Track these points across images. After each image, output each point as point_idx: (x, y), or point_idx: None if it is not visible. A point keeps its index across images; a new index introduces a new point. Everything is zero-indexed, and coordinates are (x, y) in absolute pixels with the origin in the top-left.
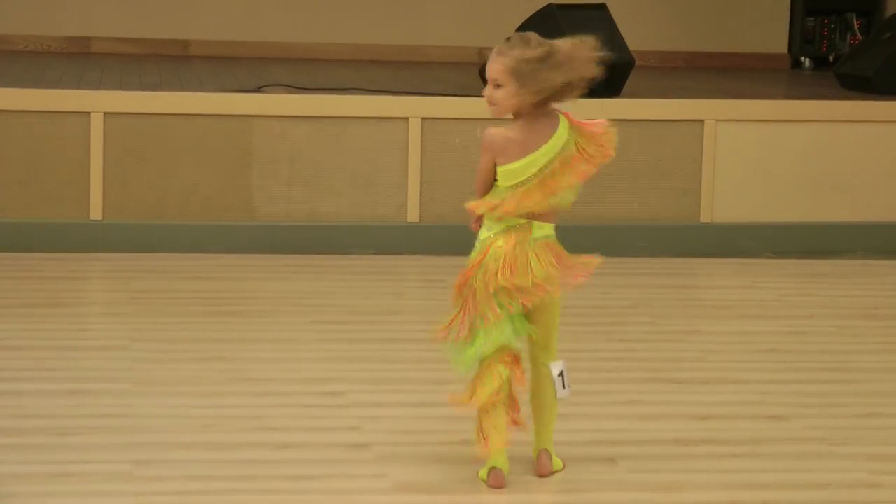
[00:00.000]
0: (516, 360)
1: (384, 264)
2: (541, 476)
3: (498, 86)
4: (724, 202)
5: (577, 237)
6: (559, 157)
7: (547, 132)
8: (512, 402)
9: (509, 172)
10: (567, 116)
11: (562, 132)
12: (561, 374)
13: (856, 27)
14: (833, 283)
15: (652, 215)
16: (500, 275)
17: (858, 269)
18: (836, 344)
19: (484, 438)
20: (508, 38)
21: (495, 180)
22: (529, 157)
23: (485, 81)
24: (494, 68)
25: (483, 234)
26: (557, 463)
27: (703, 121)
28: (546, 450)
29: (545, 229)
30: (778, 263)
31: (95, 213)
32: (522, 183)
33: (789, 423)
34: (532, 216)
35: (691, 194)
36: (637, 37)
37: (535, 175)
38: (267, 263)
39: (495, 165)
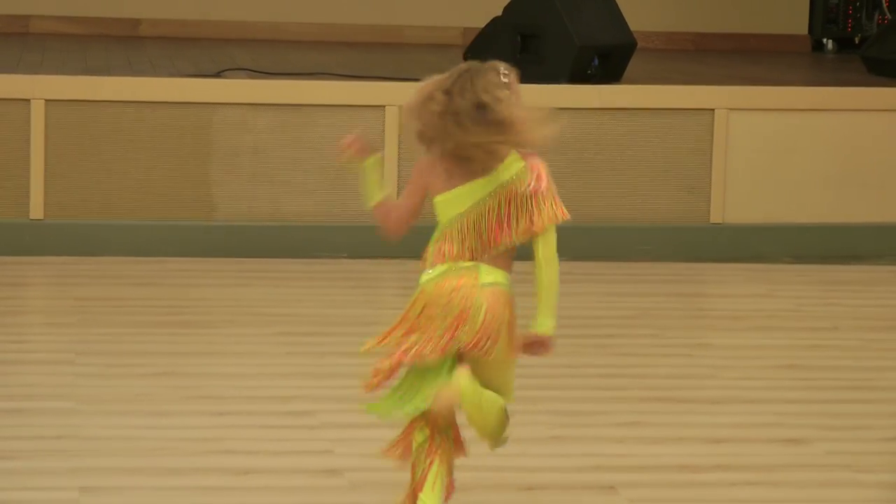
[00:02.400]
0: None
1: (358, 269)
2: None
3: None
4: (736, 201)
5: (572, 240)
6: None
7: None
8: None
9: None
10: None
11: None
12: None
13: (885, 5)
14: (858, 292)
15: (655, 215)
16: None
17: (886, 275)
18: (861, 359)
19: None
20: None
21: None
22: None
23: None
24: None
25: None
26: None
27: (713, 110)
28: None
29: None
30: (797, 269)
31: (36, 211)
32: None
33: (810, 447)
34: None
35: (699, 192)
36: (640, 16)
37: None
38: (226, 268)
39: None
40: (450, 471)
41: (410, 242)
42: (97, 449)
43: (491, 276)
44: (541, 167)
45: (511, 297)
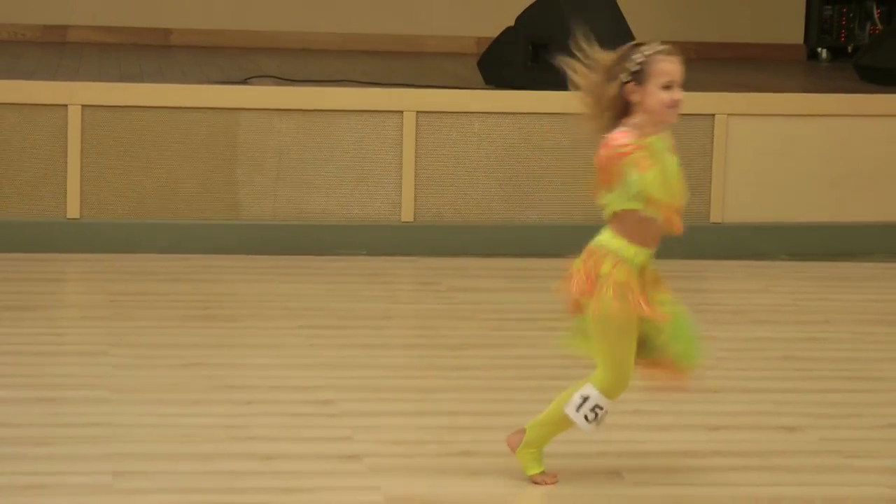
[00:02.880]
0: None
1: (376, 266)
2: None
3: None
4: (735, 201)
5: (577, 238)
6: None
7: None
8: None
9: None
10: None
11: None
12: (584, 400)
13: (876, 16)
14: (852, 287)
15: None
16: None
17: (879, 272)
18: (855, 351)
19: None
20: (641, 44)
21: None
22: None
23: (484, 76)
24: (681, 70)
25: None
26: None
27: (713, 115)
28: (524, 430)
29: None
30: (793, 266)
31: (73, 210)
32: None
33: (804, 434)
34: None
35: (701, 193)
36: (644, 26)
37: None
38: (252, 265)
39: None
40: None
41: (425, 241)
42: (129, 435)
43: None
44: (608, 141)
45: (593, 250)
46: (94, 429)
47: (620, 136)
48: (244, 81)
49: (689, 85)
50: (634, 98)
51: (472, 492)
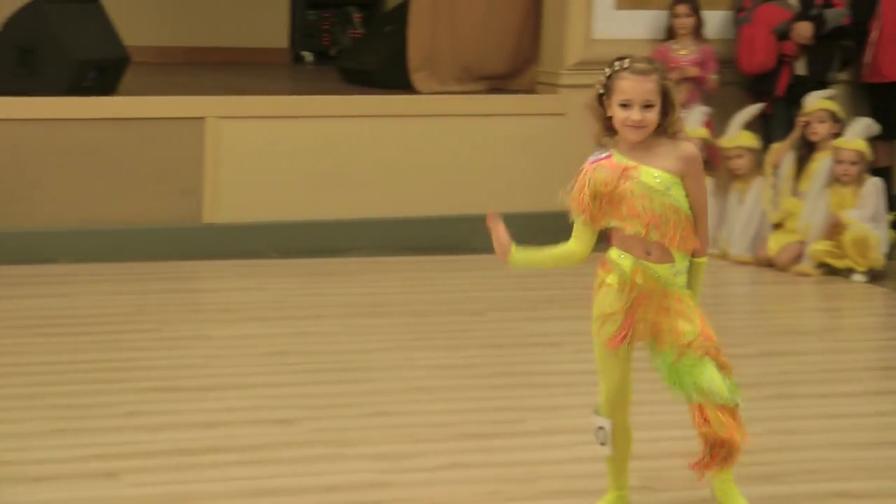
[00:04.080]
0: None
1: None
2: None
3: (649, 106)
4: (227, 202)
5: (43, 245)
6: None
7: None
8: None
9: None
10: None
11: None
12: (601, 428)
13: (356, 21)
14: (339, 282)
15: (152, 217)
16: None
17: (365, 266)
18: (344, 343)
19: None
20: (624, 57)
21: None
22: None
23: None
24: (647, 88)
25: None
26: None
27: (204, 118)
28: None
29: None
30: (283, 263)
31: None
32: None
33: (297, 426)
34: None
35: (193, 194)
36: (133, 32)
37: None
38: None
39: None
40: None
41: None
42: None
43: None
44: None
45: (603, 260)
46: None
47: (589, 165)
48: None
49: (178, 89)
50: (608, 112)
51: None
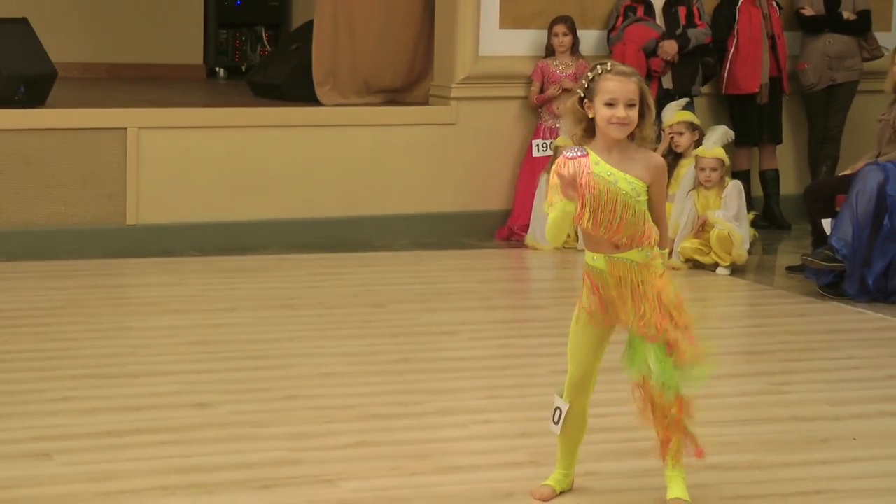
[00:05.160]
0: None
1: None
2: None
3: (632, 105)
4: (148, 205)
5: (4, 243)
6: None
7: None
8: None
9: None
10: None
11: None
12: (558, 409)
13: (265, 39)
14: (253, 277)
15: (80, 219)
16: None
17: (275, 263)
18: (256, 334)
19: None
20: (601, 63)
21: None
22: None
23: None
24: (630, 88)
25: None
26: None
27: (126, 128)
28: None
29: None
30: (201, 260)
31: None
32: None
33: (216, 409)
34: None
35: (117, 198)
36: (60, 49)
37: None
38: None
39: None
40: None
41: None
42: None
43: None
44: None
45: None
46: None
47: (561, 160)
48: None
49: (103, 102)
50: (590, 114)
51: None
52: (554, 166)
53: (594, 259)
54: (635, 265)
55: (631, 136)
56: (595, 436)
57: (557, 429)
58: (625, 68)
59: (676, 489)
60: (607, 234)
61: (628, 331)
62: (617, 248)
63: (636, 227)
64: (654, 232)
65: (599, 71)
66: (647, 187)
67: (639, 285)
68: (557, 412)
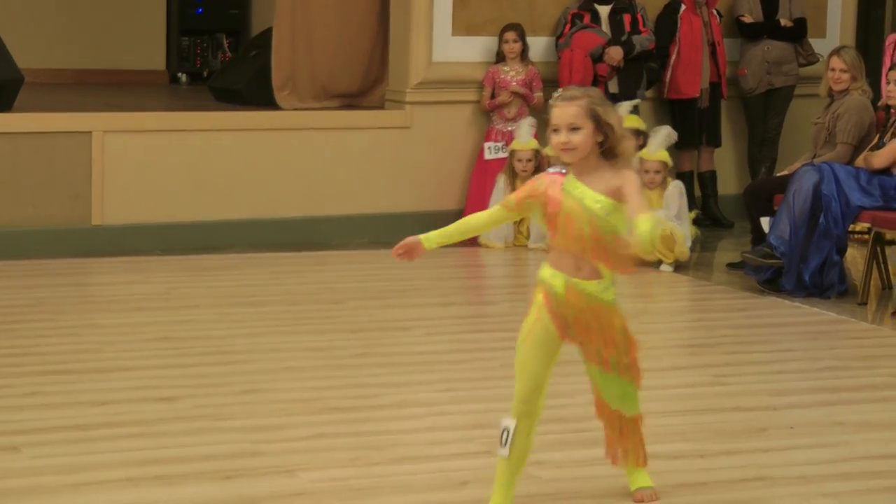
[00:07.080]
0: None
1: None
2: None
3: (575, 129)
4: (113, 206)
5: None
6: None
7: None
8: None
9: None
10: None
11: None
12: (506, 429)
13: (226, 46)
14: (216, 276)
15: (47, 220)
16: None
17: (238, 262)
18: (219, 330)
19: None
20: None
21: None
22: None
23: None
24: (570, 112)
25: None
26: None
27: (91, 132)
28: None
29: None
30: (165, 259)
31: None
32: None
33: (179, 403)
34: None
35: (83, 199)
36: (26, 54)
37: None
38: None
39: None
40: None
41: None
42: None
43: None
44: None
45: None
46: None
47: (539, 176)
48: None
49: (69, 106)
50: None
51: None
52: (531, 179)
53: (553, 277)
54: (593, 299)
55: (607, 156)
56: (546, 426)
57: (505, 451)
58: (573, 92)
59: (640, 479)
60: (578, 249)
61: (584, 358)
62: (579, 269)
63: (606, 247)
64: (623, 263)
65: (552, 99)
66: (616, 204)
67: (598, 321)
68: (505, 433)
